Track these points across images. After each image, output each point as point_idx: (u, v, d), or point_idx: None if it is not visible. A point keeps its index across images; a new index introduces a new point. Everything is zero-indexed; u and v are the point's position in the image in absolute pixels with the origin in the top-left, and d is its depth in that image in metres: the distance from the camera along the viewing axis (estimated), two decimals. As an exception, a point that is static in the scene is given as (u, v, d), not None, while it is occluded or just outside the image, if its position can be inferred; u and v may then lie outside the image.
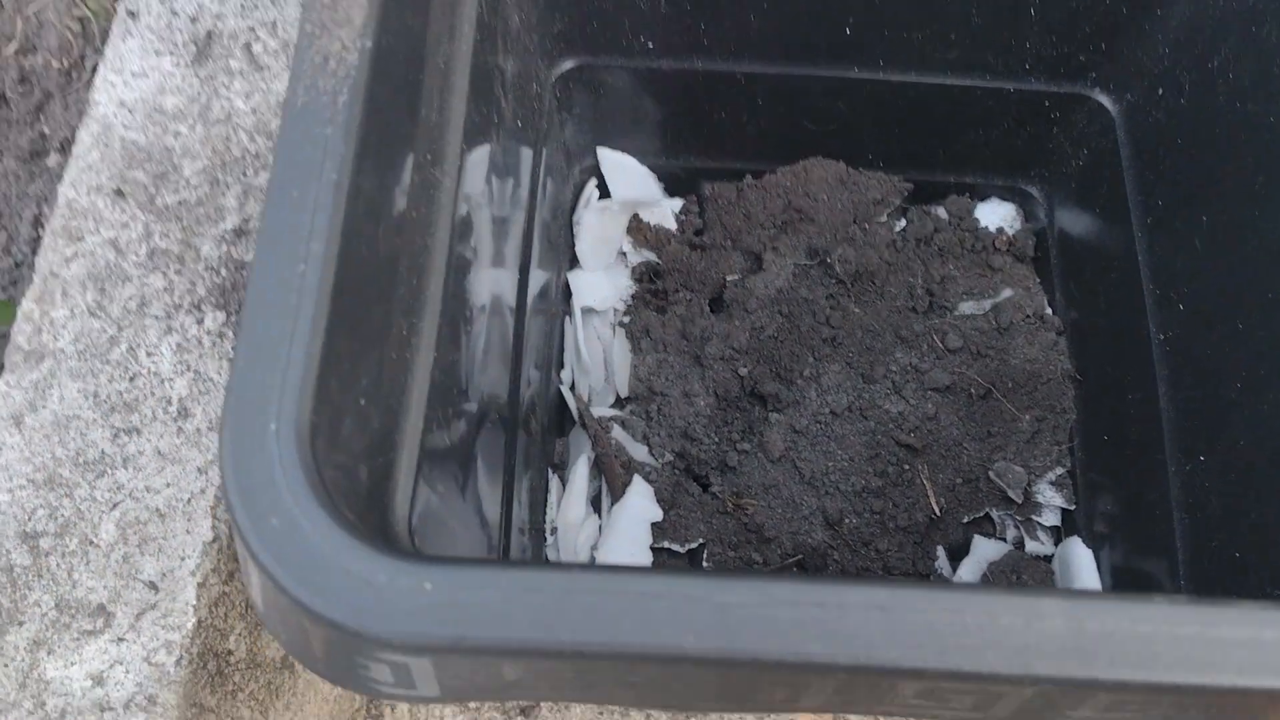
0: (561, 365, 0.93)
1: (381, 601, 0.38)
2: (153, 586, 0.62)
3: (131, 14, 0.76)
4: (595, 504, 0.88)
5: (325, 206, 0.43)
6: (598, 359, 0.93)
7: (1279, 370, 0.67)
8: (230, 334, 0.68)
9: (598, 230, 0.95)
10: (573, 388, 0.92)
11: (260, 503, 0.39)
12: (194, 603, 0.62)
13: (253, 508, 0.39)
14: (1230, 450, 0.71)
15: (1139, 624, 0.38)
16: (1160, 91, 0.82)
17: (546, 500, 0.87)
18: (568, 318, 0.94)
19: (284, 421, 0.40)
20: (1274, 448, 0.67)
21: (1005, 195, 0.99)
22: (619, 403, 0.92)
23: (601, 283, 0.95)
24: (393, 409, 0.51)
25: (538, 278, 0.83)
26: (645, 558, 0.83)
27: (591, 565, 0.50)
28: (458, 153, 0.59)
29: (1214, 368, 0.74)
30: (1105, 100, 0.88)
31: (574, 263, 0.96)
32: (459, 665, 0.39)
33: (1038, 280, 0.94)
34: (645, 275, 0.96)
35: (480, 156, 0.65)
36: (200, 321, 0.68)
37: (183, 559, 0.62)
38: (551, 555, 0.85)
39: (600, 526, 0.85)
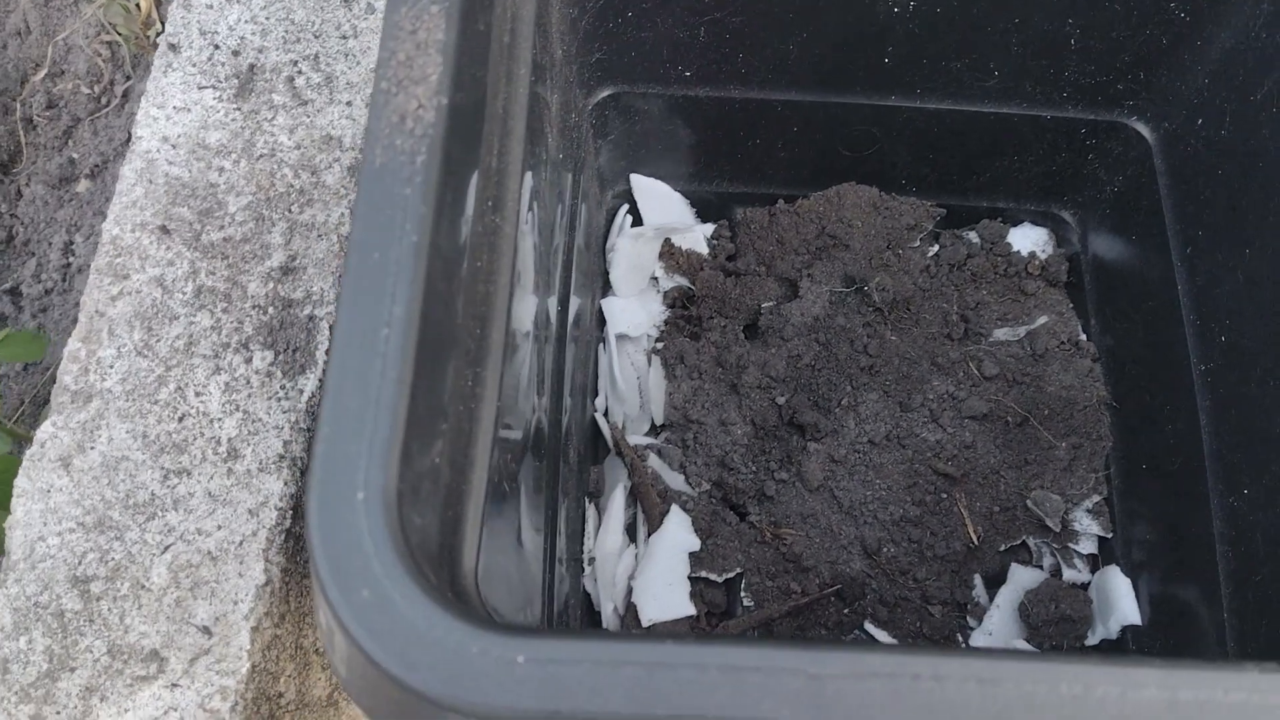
0: (596, 393, 0.93)
1: (473, 674, 0.38)
2: (206, 631, 0.61)
3: (173, 47, 0.75)
4: (630, 531, 0.88)
5: (406, 269, 0.43)
6: (633, 386, 0.93)
7: (1329, 409, 0.67)
8: (279, 373, 0.67)
9: (631, 257, 0.95)
10: (607, 415, 0.92)
11: (350, 574, 0.39)
12: (248, 647, 0.61)
13: (343, 579, 0.38)
14: (1277, 485, 0.71)
15: (1231, 693, 0.38)
16: (1199, 121, 0.82)
17: (584, 530, 0.87)
18: (602, 345, 0.94)
19: (371, 490, 0.39)
20: (1324, 486, 0.67)
21: (1037, 220, 0.99)
22: (654, 430, 0.92)
23: (635, 309, 0.95)
24: (459, 462, 0.51)
25: (573, 305, 0.83)
26: (683, 588, 0.83)
27: (686, 636, 0.50)
28: (516, 196, 0.59)
29: (1258, 402, 0.74)
30: (1142, 128, 0.88)
31: (607, 289, 0.96)
32: (551, 737, 0.39)
33: (1071, 306, 0.95)
34: (679, 301, 0.96)
35: (530, 193, 0.65)
36: (248, 360, 0.68)
37: (236, 603, 0.62)
38: (589, 586, 0.85)
39: (637, 556, 0.85)
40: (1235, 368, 0.76)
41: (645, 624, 0.81)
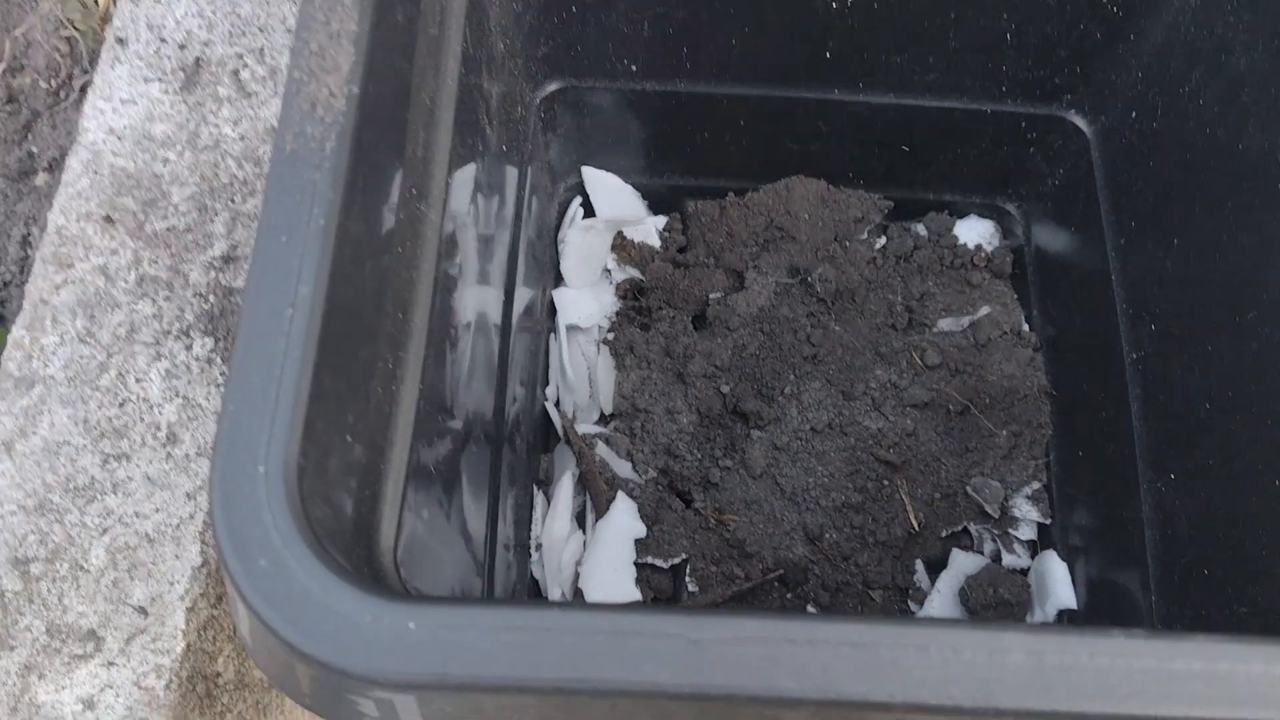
0: (547, 382, 0.94)
1: (366, 640, 0.39)
2: (142, 611, 0.63)
3: (120, 41, 0.77)
4: (580, 519, 0.89)
5: (313, 251, 0.44)
6: (582, 376, 0.94)
7: (1246, 394, 0.69)
8: (219, 360, 0.69)
9: (582, 248, 0.97)
10: (558, 404, 0.93)
11: (249, 544, 0.40)
12: (183, 627, 0.63)
13: (242, 549, 0.40)
14: (1200, 469, 0.73)
15: (1097, 657, 0.40)
16: (1133, 115, 0.84)
17: (531, 516, 0.89)
18: (553, 335, 0.95)
19: (272, 464, 0.41)
20: (1242, 469, 0.69)
21: (984, 213, 1.00)
22: (603, 419, 0.93)
23: (586, 300, 0.96)
24: (378, 442, 0.52)
25: (523, 296, 0.85)
26: (629, 574, 0.84)
27: (570, 603, 0.52)
28: (443, 185, 0.60)
29: (1185, 388, 0.75)
30: (1080, 122, 0.89)
31: (559, 280, 0.97)
32: (442, 701, 0.40)
33: (1015, 297, 0.96)
34: (629, 293, 0.98)
35: (465, 183, 0.67)
36: (189, 348, 0.69)
37: (172, 583, 0.64)
38: (536, 572, 0.87)
39: (584, 543, 0.87)
40: (1163, 356, 0.78)
41: None
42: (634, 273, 0.98)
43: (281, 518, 0.40)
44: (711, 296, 0.94)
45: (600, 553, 0.85)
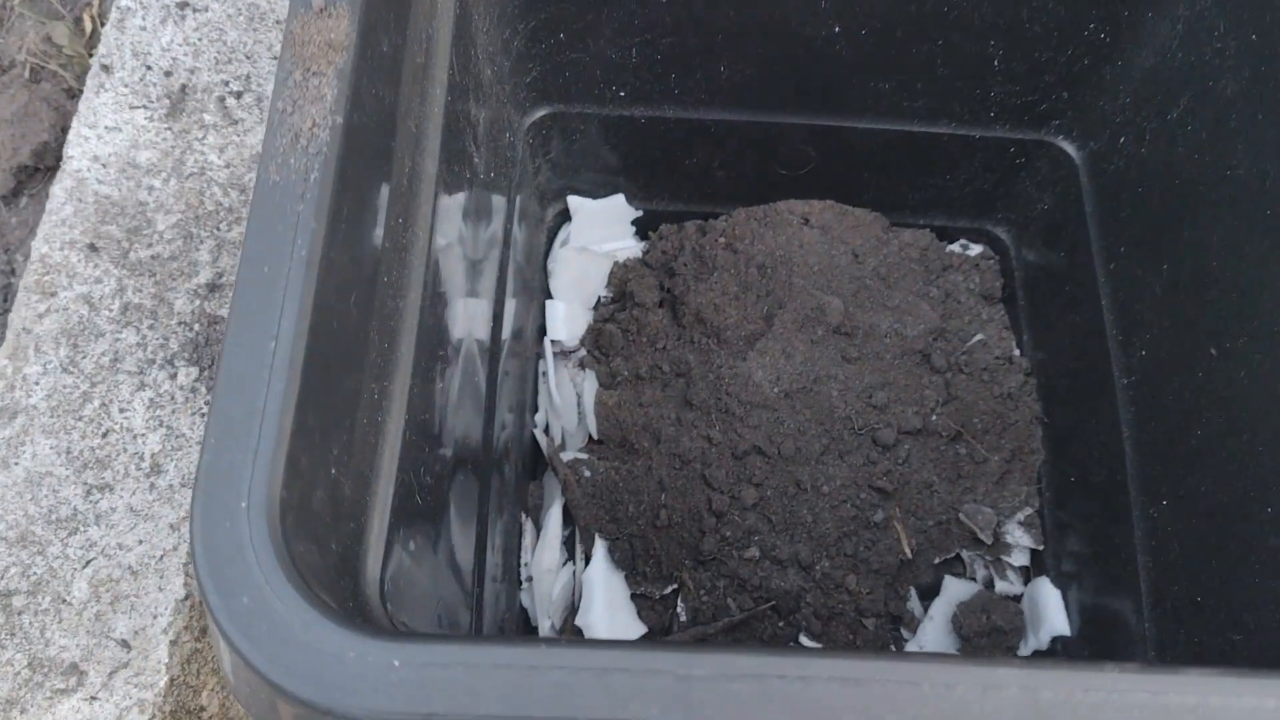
0: (536, 408, 0.94)
1: (351, 679, 0.38)
2: (125, 645, 0.62)
3: (105, 68, 0.76)
4: (569, 543, 0.89)
5: (296, 284, 0.44)
6: (570, 401, 0.93)
7: (1237, 422, 0.68)
8: (204, 389, 0.68)
9: (574, 269, 0.96)
10: (546, 430, 0.93)
11: (231, 580, 0.39)
12: (166, 660, 0.62)
13: (223, 585, 0.39)
14: (1191, 497, 0.73)
15: (1091, 692, 0.39)
16: (1122, 140, 0.84)
17: (520, 545, 0.88)
18: (541, 360, 0.95)
19: (254, 499, 0.40)
20: (1233, 497, 0.68)
21: (973, 236, 1.00)
22: (592, 444, 0.92)
23: (576, 314, 0.96)
24: (364, 474, 0.51)
25: (512, 321, 0.84)
26: (629, 610, 0.84)
27: (557, 640, 0.51)
28: (429, 213, 0.60)
29: (1176, 415, 0.75)
30: (1069, 147, 0.89)
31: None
32: (427, 740, 0.39)
33: (1006, 321, 0.96)
34: (613, 316, 0.97)
35: (453, 210, 0.66)
36: (173, 376, 0.68)
37: (155, 616, 0.63)
38: (526, 602, 0.86)
39: (575, 573, 0.86)
40: (1153, 382, 0.78)
41: None
42: (621, 296, 0.98)
43: (264, 554, 0.40)
44: (699, 327, 0.93)
45: (597, 599, 0.84)
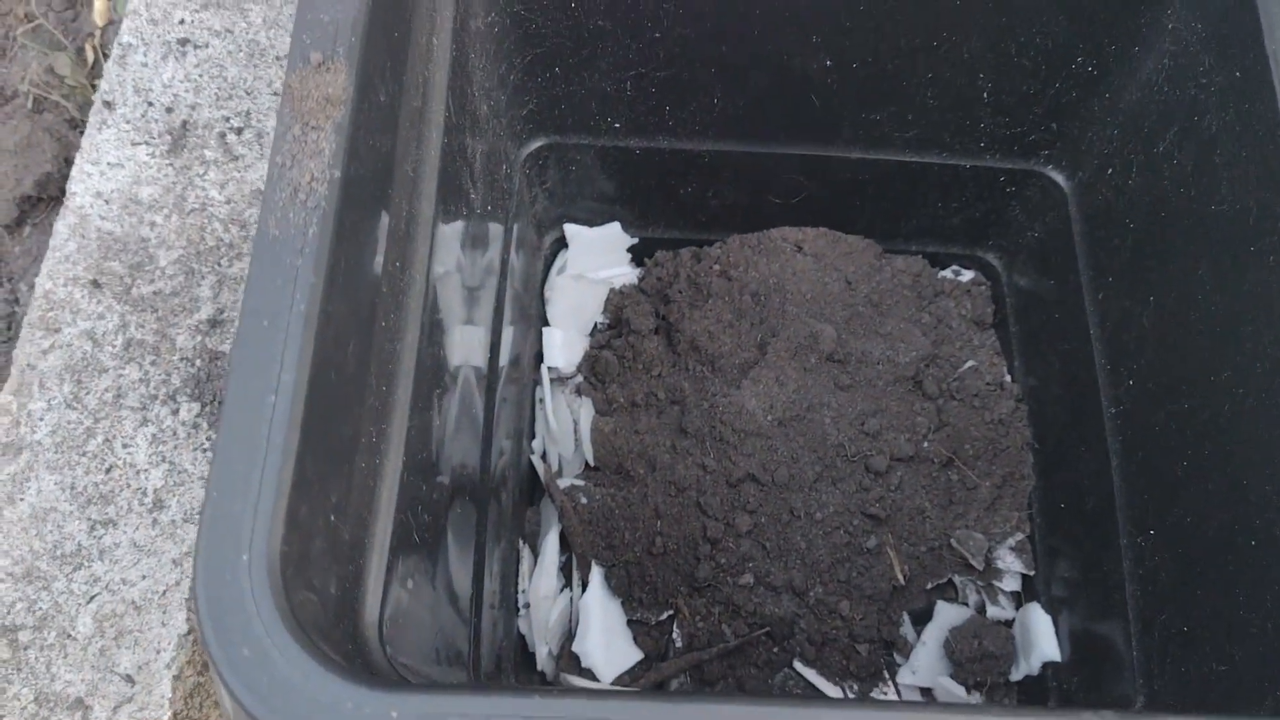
0: (533, 435, 0.95)
1: (349, 729, 0.40)
2: (129, 680, 0.63)
3: (108, 104, 0.77)
4: (566, 570, 0.90)
5: (295, 337, 0.45)
6: (567, 428, 0.94)
7: (1221, 453, 0.69)
8: (205, 424, 0.69)
9: (571, 296, 0.97)
10: (543, 457, 0.94)
11: (232, 631, 0.40)
12: (169, 695, 0.63)
13: (225, 636, 0.40)
14: (1178, 527, 0.74)
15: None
16: (1109, 171, 0.85)
17: (518, 571, 0.89)
18: (539, 387, 0.96)
19: (255, 551, 0.41)
20: (1218, 529, 0.69)
21: (965, 263, 1.01)
22: (589, 470, 0.93)
23: (573, 340, 0.97)
24: (362, 517, 0.52)
25: (509, 349, 0.85)
26: (625, 636, 0.85)
27: (551, 689, 0.52)
28: (426, 255, 0.61)
29: (1162, 445, 0.76)
30: (1058, 177, 0.90)
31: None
32: (424, 788, 0.40)
33: (998, 347, 0.97)
34: (610, 343, 0.98)
35: (450, 245, 0.67)
36: (175, 412, 0.69)
37: (158, 651, 0.64)
38: (524, 629, 0.87)
39: (572, 599, 0.87)
40: (1141, 411, 0.79)
41: (608, 681, 0.83)
42: (616, 323, 0.99)
43: (265, 606, 0.41)
44: (693, 354, 0.94)
45: (593, 627, 0.85)
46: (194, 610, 0.40)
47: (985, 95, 0.84)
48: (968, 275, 1.01)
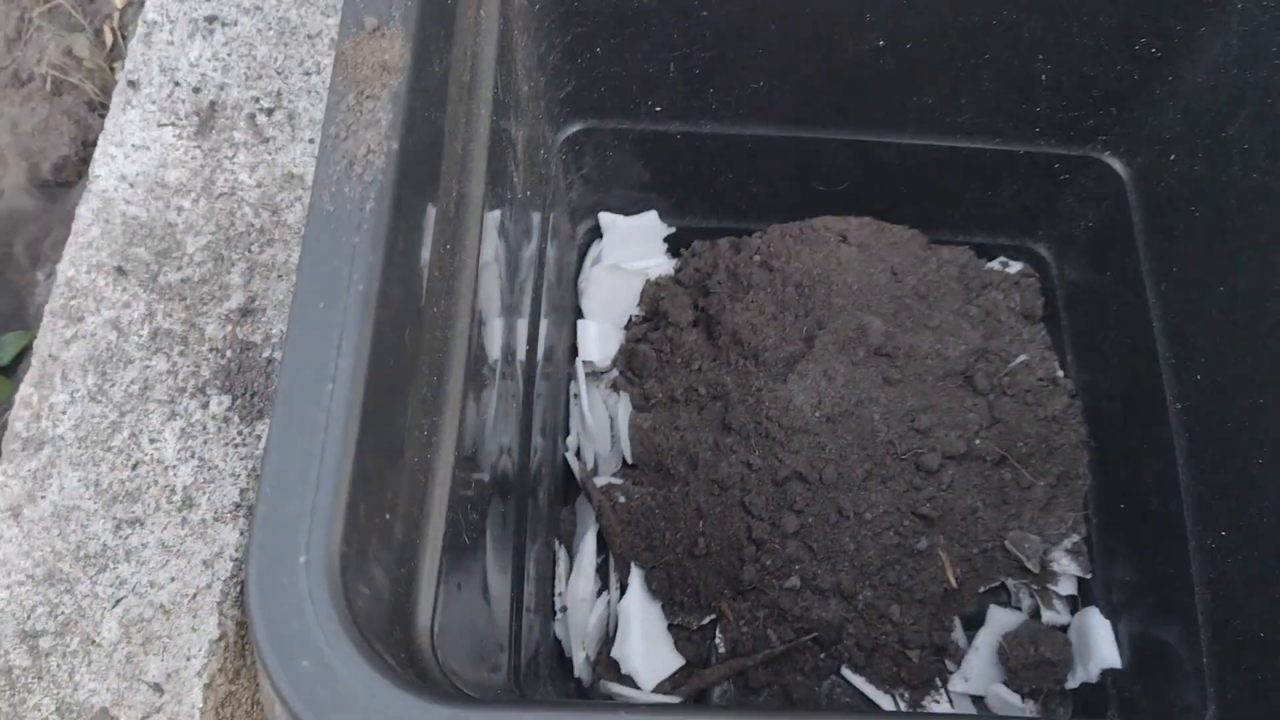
0: (568, 431, 0.91)
1: (418, 747, 0.36)
2: (157, 688, 0.59)
3: (132, 84, 0.74)
4: (603, 571, 0.86)
5: (354, 320, 0.41)
6: (603, 424, 0.91)
7: (1306, 451, 0.66)
8: (236, 418, 0.66)
9: (606, 288, 0.94)
10: (578, 454, 0.90)
11: (291, 642, 0.37)
12: (200, 705, 0.59)
13: (282, 648, 0.37)
14: (1254, 528, 0.70)
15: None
16: (1173, 157, 0.81)
17: (554, 573, 0.85)
18: (573, 382, 0.93)
19: (314, 553, 0.38)
20: (1302, 529, 0.66)
21: (1013, 254, 0.98)
22: (626, 468, 0.90)
23: (608, 334, 0.94)
24: (414, 516, 0.49)
25: (544, 342, 0.82)
26: (666, 642, 0.82)
27: (614, 704, 0.49)
28: (477, 237, 0.57)
29: (1236, 442, 0.73)
30: (1116, 164, 0.87)
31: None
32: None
33: (1048, 341, 0.94)
34: (646, 336, 0.95)
35: (493, 232, 0.64)
36: (205, 406, 0.66)
37: (189, 659, 0.60)
38: (560, 633, 0.83)
39: (609, 602, 0.83)
40: (1212, 407, 0.75)
41: (649, 689, 0.79)
42: (653, 314, 0.96)
43: (325, 613, 0.37)
44: (735, 348, 0.91)
45: (633, 632, 0.81)
46: (247, 619, 0.37)
47: (1044, 77, 0.81)
48: (1016, 267, 0.97)
